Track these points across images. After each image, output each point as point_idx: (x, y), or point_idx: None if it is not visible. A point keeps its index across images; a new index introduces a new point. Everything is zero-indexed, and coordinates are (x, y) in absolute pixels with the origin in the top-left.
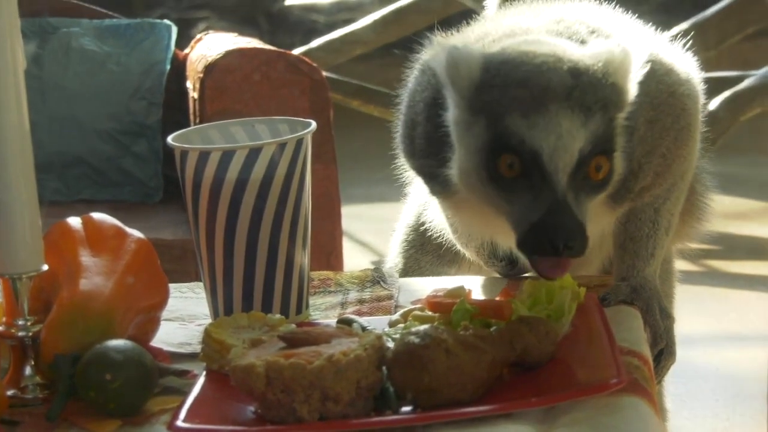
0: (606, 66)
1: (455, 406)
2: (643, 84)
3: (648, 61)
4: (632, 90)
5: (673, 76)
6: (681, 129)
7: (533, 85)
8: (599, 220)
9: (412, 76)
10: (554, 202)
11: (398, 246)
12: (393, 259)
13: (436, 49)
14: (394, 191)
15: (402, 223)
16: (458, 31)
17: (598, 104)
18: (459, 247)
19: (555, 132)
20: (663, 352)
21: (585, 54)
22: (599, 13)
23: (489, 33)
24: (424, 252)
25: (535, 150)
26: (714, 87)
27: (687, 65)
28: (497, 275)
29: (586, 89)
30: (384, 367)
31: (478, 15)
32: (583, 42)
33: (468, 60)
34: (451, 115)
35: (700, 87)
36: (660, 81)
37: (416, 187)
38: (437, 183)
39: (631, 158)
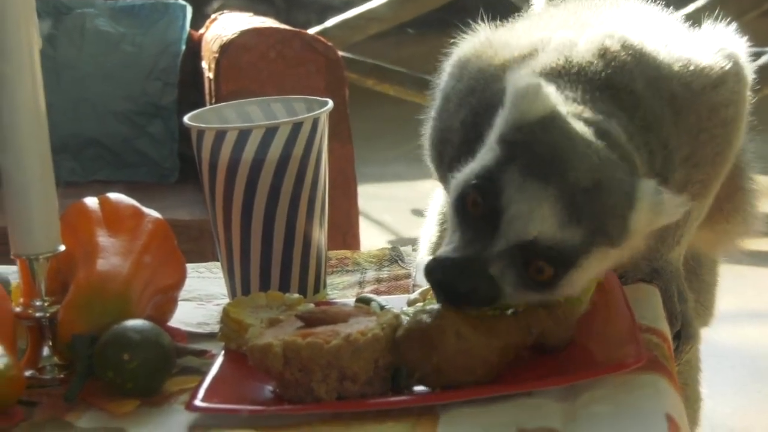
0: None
1: (467, 387)
2: (684, 120)
3: (686, 82)
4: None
5: (717, 91)
6: (720, 150)
7: (557, 163)
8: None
9: (450, 74)
10: (478, 256)
11: (434, 217)
12: (428, 231)
13: (521, 76)
14: (409, 170)
15: (439, 193)
16: (503, 25)
17: (590, 230)
18: None
19: (528, 205)
20: (680, 335)
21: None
22: (642, 25)
23: (536, 47)
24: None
25: (501, 206)
26: None
27: (725, 48)
28: None
29: (587, 211)
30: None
31: None
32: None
33: (541, 110)
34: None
35: (743, 73)
36: (700, 102)
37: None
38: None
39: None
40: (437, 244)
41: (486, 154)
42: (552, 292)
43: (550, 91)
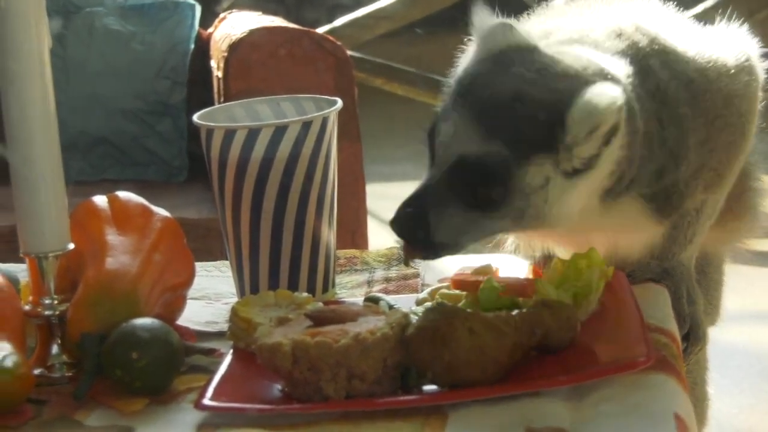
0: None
1: (476, 386)
2: (701, 102)
3: (701, 69)
4: (588, 149)
5: (727, 79)
6: (736, 139)
7: (478, 86)
8: (646, 233)
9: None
10: (418, 192)
11: None
12: None
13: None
14: (417, 170)
15: None
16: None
17: (513, 138)
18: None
19: (447, 129)
20: (689, 337)
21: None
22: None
23: (550, 32)
24: None
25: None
26: None
27: (740, 47)
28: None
29: (511, 124)
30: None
31: None
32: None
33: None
34: None
35: (757, 71)
36: (713, 91)
37: None
38: None
39: (674, 177)
40: None
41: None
42: (508, 216)
43: (520, 28)
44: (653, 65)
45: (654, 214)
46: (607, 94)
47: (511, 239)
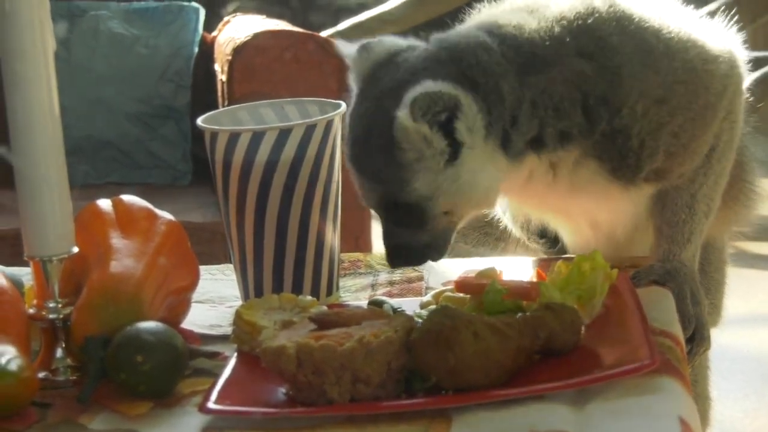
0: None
1: (480, 390)
2: (655, 61)
3: (664, 38)
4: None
5: (695, 52)
6: (700, 109)
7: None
8: (617, 202)
9: None
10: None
11: None
12: None
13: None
14: None
15: None
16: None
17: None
18: (506, 222)
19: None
20: (694, 338)
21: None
22: None
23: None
24: (471, 227)
25: None
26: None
27: (724, 42)
28: (538, 253)
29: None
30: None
31: None
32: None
33: None
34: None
35: (738, 65)
36: (675, 58)
37: None
38: None
39: (626, 134)
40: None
41: None
42: (441, 222)
43: (378, 43)
44: (597, 25)
45: (612, 176)
46: (421, 92)
47: (503, 216)
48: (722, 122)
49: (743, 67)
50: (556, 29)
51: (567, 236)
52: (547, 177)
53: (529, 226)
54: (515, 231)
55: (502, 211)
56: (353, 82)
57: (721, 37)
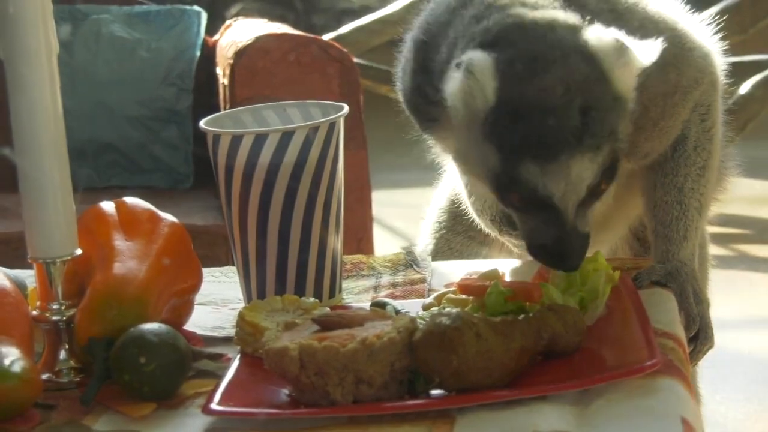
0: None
1: (483, 391)
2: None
3: (649, 19)
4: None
5: (674, 35)
6: (671, 87)
7: (545, 132)
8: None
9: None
10: (564, 231)
11: (429, 227)
12: (424, 241)
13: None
14: (422, 177)
15: (433, 206)
16: None
17: (605, 137)
18: (475, 216)
19: (565, 179)
20: (698, 337)
21: (591, 75)
22: None
23: None
24: (455, 233)
25: (547, 195)
26: (745, 71)
27: (707, 44)
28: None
29: (596, 130)
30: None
31: None
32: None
33: (483, 88)
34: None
35: (715, 66)
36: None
37: (448, 170)
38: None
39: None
40: (441, 224)
41: (479, 150)
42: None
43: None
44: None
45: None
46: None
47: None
48: (691, 113)
49: (720, 71)
50: None
51: None
52: None
53: (497, 216)
54: (484, 224)
55: (469, 196)
56: None
57: (705, 38)
